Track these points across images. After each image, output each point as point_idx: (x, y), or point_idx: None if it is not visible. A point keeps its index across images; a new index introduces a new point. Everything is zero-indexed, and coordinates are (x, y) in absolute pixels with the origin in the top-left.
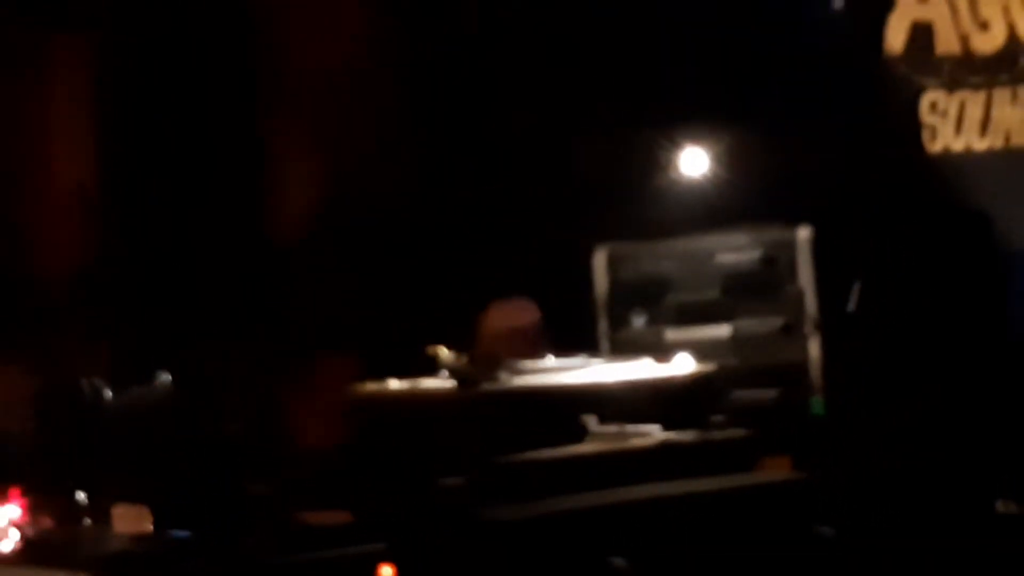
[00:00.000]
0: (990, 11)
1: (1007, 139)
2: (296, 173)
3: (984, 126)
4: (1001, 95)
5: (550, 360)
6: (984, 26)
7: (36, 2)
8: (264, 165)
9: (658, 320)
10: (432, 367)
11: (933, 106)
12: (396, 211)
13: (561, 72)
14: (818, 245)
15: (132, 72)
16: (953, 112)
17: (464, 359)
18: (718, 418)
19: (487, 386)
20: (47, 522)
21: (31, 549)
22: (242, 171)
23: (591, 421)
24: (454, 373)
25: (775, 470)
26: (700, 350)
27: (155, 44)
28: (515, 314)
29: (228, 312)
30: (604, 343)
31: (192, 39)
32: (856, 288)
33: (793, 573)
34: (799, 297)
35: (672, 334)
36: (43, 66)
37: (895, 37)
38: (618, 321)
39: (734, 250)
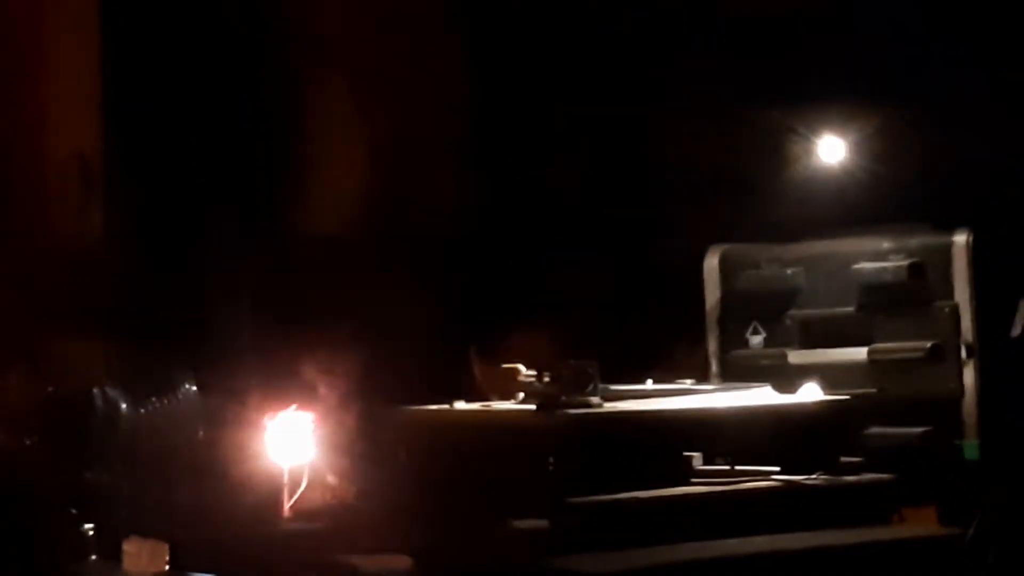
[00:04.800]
0: None
1: None
2: (354, 167)
3: None
4: None
5: (649, 384)
6: None
7: None
8: (312, 161)
9: (780, 339)
10: (508, 387)
11: None
12: (462, 209)
13: (668, 39)
14: (978, 253)
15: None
16: None
17: (547, 378)
18: (850, 459)
19: (573, 411)
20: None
21: None
22: (280, 165)
23: (696, 458)
24: (534, 395)
25: (918, 524)
26: (830, 377)
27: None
28: None
29: (262, 315)
30: (714, 365)
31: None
32: (1023, 307)
33: None
34: (952, 315)
35: (796, 357)
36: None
37: None
38: (731, 339)
39: (875, 257)
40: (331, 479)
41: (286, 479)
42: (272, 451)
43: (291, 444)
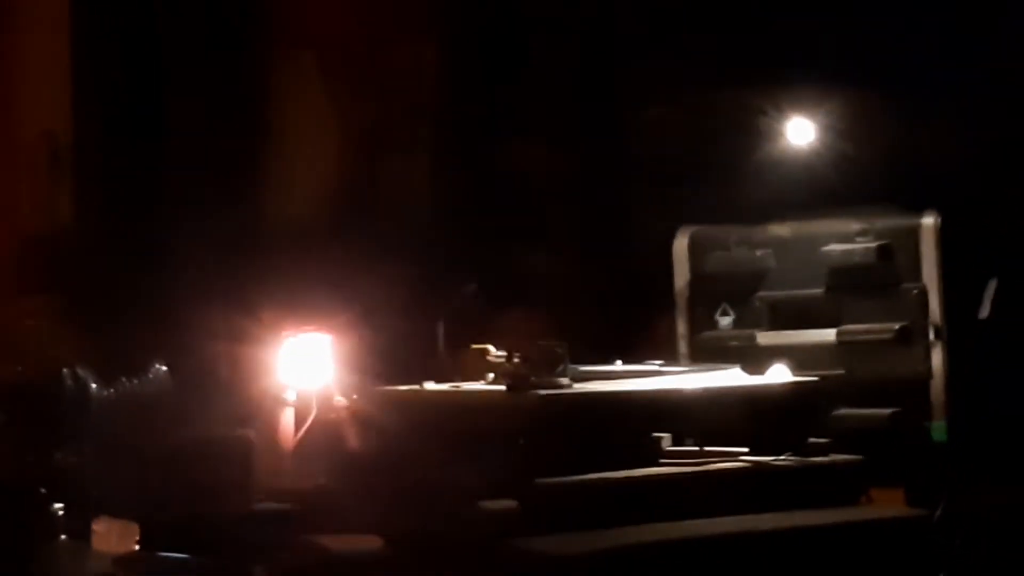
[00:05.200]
0: None
1: None
2: (318, 145)
3: None
4: None
5: (618, 365)
6: None
7: None
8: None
9: (748, 321)
10: (477, 368)
11: None
12: (432, 189)
13: (637, 21)
14: (946, 235)
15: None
16: None
17: (516, 359)
18: (818, 440)
19: (542, 392)
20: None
21: None
22: (253, 145)
23: (665, 439)
24: (503, 375)
25: (885, 505)
26: (799, 358)
27: None
28: None
29: (229, 294)
30: (682, 347)
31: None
32: (991, 288)
33: None
34: (920, 298)
35: (765, 338)
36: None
37: None
38: (700, 321)
39: (843, 239)
40: (341, 400)
41: (295, 403)
42: (283, 373)
43: (303, 367)
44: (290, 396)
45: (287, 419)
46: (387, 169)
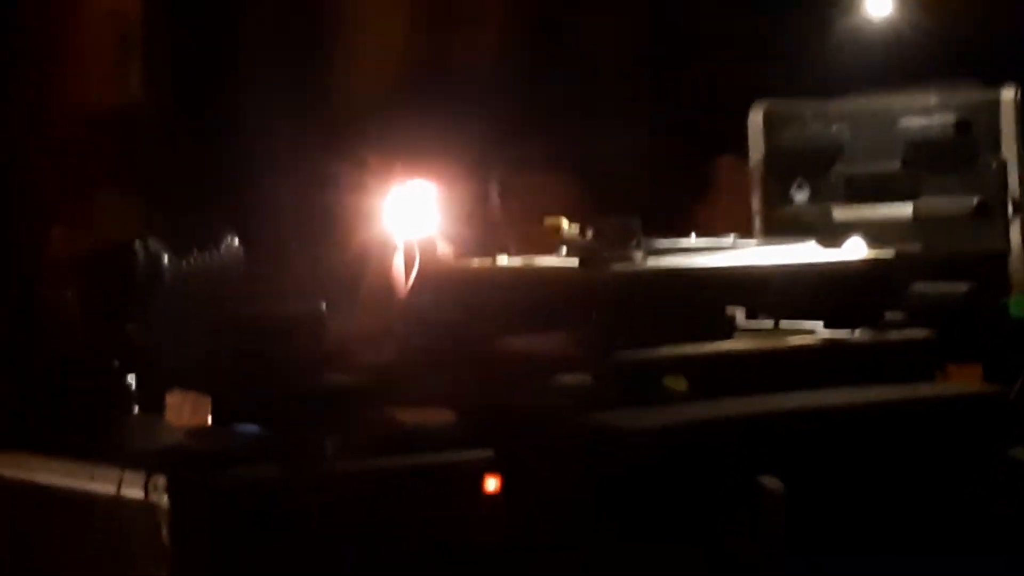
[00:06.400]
0: None
1: None
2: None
3: None
4: None
5: (692, 239)
6: None
7: None
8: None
9: (824, 195)
10: (551, 242)
11: None
12: (504, 66)
13: None
14: None
15: None
16: None
17: (590, 233)
18: (894, 315)
19: (616, 267)
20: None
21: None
22: (319, 21)
23: (739, 314)
24: (577, 250)
25: (962, 381)
26: (875, 233)
27: None
28: None
29: (305, 164)
30: (758, 221)
31: None
32: None
33: (982, 503)
34: (999, 172)
35: (841, 213)
36: None
37: None
38: (775, 195)
39: (921, 113)
40: (445, 247)
41: (402, 251)
42: (391, 222)
43: (410, 216)
44: (399, 243)
45: (398, 264)
46: (465, 39)
